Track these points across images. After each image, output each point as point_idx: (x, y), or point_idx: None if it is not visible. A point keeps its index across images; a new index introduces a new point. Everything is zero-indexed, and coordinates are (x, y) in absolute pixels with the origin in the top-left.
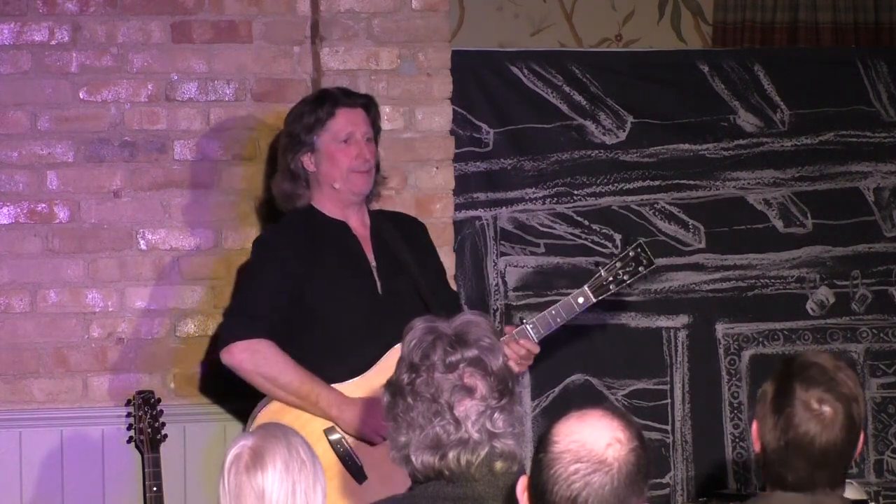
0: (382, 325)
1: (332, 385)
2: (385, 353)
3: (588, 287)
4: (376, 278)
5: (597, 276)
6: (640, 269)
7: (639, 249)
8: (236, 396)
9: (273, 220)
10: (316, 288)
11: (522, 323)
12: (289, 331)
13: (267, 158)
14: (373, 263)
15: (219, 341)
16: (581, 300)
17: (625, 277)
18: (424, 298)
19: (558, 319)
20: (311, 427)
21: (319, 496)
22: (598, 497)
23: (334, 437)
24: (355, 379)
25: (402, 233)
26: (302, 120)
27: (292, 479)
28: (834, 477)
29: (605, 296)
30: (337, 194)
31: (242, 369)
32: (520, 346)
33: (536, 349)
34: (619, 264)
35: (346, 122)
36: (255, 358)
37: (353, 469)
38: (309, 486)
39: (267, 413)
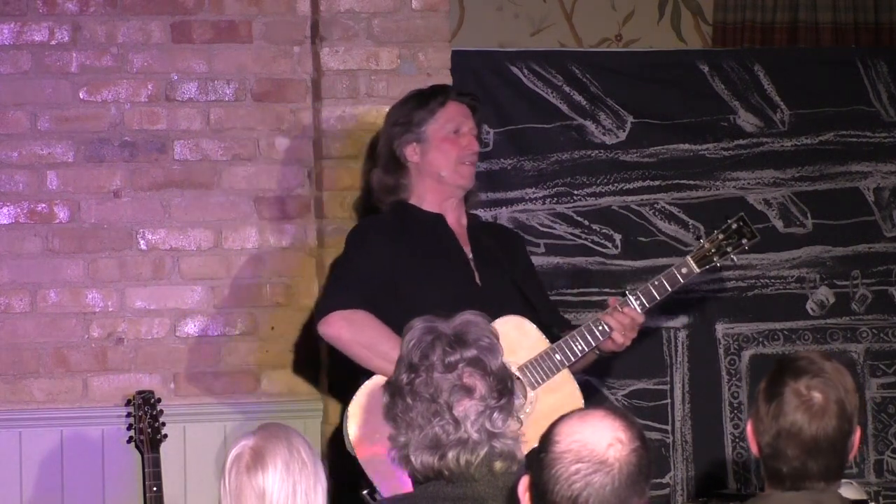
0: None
1: None
2: None
3: (691, 257)
4: (474, 269)
5: (700, 247)
6: (742, 241)
7: (741, 223)
8: (237, 396)
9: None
10: (413, 276)
11: (626, 294)
12: (383, 316)
13: (366, 153)
14: (469, 255)
15: (316, 315)
16: (685, 270)
17: (728, 249)
18: (523, 291)
19: (662, 290)
20: None
21: (320, 497)
22: (598, 497)
23: None
24: None
25: (498, 239)
26: (411, 110)
27: (293, 480)
28: (828, 468)
29: (708, 267)
30: (440, 186)
31: (341, 338)
32: (624, 314)
33: (641, 318)
34: (721, 236)
35: (456, 113)
36: (353, 327)
37: None
38: (310, 486)
39: (364, 391)
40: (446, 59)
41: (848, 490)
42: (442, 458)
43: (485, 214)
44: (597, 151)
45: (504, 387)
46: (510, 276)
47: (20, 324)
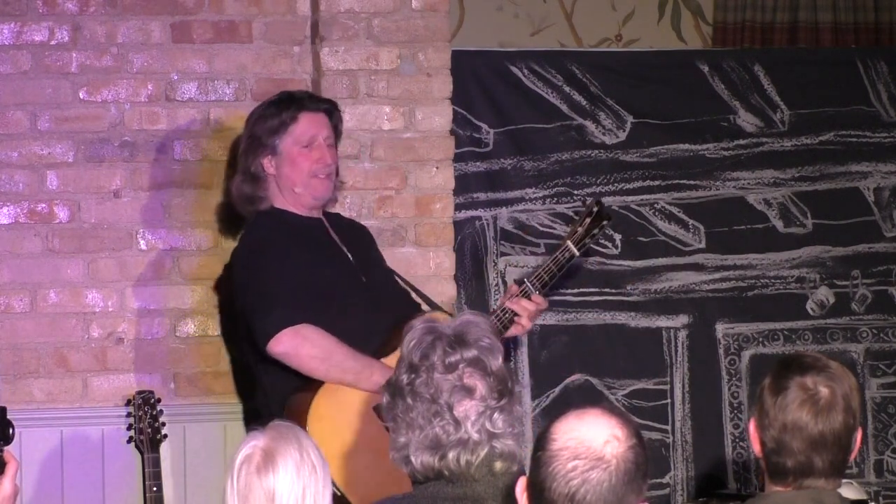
0: (373, 313)
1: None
2: (384, 339)
3: (570, 242)
4: (357, 269)
5: (573, 231)
6: (604, 222)
7: (600, 205)
8: (236, 396)
9: (229, 223)
10: (313, 279)
11: (524, 282)
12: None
13: (227, 160)
14: (350, 257)
15: (261, 335)
16: (567, 254)
17: (595, 231)
18: (400, 283)
19: (551, 275)
20: (359, 405)
21: (328, 501)
22: (596, 494)
23: None
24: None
25: (357, 234)
26: (265, 122)
27: (303, 483)
28: (832, 464)
29: (584, 250)
30: (298, 198)
31: (296, 355)
32: (531, 302)
33: (545, 303)
34: (588, 220)
35: (309, 125)
36: (305, 343)
37: None
38: (318, 491)
39: (321, 398)
40: (446, 59)
41: (848, 490)
42: (442, 458)
43: (485, 214)
44: (597, 151)
45: (504, 387)
46: (385, 270)
47: (20, 324)
